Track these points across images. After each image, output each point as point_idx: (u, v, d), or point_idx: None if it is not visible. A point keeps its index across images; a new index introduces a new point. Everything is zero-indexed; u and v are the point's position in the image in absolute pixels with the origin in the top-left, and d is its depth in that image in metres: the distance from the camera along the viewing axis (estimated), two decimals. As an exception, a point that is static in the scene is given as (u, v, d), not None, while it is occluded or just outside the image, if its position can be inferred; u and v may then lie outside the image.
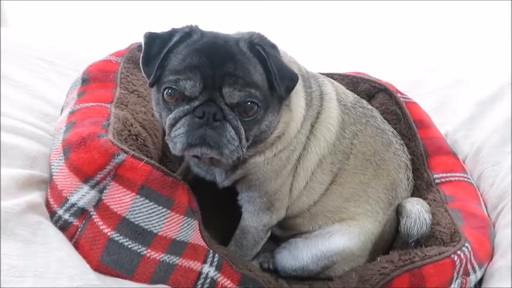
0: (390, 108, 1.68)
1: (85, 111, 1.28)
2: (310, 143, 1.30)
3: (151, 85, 1.13)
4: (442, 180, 1.56)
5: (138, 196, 1.08)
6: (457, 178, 1.56)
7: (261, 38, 1.16)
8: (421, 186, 1.56)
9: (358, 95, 1.58)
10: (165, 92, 1.09)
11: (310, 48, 3.02)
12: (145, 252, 1.09)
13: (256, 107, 1.09)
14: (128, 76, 1.50)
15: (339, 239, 1.35)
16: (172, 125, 1.09)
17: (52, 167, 1.17)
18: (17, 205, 1.04)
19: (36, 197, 1.12)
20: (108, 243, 1.07)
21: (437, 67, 2.25)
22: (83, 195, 1.08)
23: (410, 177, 1.52)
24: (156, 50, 1.11)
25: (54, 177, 1.14)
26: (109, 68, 1.51)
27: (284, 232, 1.46)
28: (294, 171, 1.31)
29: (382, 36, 3.12)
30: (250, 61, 1.10)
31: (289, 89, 1.15)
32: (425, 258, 1.23)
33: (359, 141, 1.37)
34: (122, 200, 1.08)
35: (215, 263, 1.21)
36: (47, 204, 1.13)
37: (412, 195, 1.52)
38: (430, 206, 1.42)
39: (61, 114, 1.40)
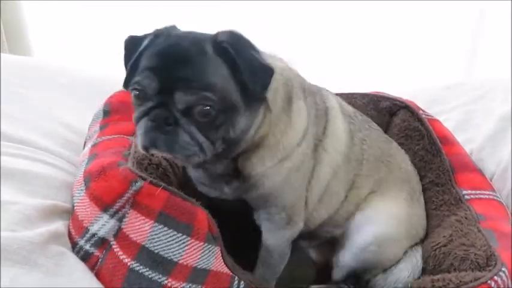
0: (412, 125, 1.65)
1: (107, 143, 1.30)
2: (321, 156, 1.31)
3: (124, 87, 1.11)
4: (472, 196, 1.49)
5: (156, 224, 1.07)
6: (486, 196, 1.49)
7: (232, 36, 1.07)
8: (449, 202, 1.49)
9: (379, 112, 1.60)
10: (132, 94, 1.08)
11: (327, 67, 3.03)
12: (166, 281, 1.07)
13: (212, 110, 1.02)
14: (148, 106, 1.51)
15: (368, 229, 1.37)
16: (136, 125, 1.07)
17: (74, 198, 1.18)
18: (40, 235, 1.04)
19: (59, 227, 1.12)
20: (128, 274, 1.05)
21: (457, 83, 2.21)
22: (103, 225, 1.08)
23: (416, 170, 1.58)
24: (131, 54, 1.09)
25: (75, 208, 1.15)
26: (129, 98, 1.52)
27: (312, 242, 1.51)
28: (307, 185, 1.31)
29: (400, 55, 3.11)
30: (210, 62, 1.03)
31: (265, 84, 1.08)
32: (460, 285, 1.16)
33: (368, 146, 1.44)
34: (141, 228, 1.07)
35: (241, 291, 1.17)
36: (69, 235, 1.13)
37: (441, 210, 1.49)
38: (462, 224, 1.37)
39: (84, 147, 1.42)
